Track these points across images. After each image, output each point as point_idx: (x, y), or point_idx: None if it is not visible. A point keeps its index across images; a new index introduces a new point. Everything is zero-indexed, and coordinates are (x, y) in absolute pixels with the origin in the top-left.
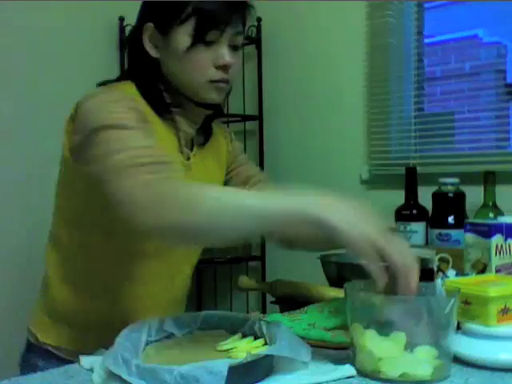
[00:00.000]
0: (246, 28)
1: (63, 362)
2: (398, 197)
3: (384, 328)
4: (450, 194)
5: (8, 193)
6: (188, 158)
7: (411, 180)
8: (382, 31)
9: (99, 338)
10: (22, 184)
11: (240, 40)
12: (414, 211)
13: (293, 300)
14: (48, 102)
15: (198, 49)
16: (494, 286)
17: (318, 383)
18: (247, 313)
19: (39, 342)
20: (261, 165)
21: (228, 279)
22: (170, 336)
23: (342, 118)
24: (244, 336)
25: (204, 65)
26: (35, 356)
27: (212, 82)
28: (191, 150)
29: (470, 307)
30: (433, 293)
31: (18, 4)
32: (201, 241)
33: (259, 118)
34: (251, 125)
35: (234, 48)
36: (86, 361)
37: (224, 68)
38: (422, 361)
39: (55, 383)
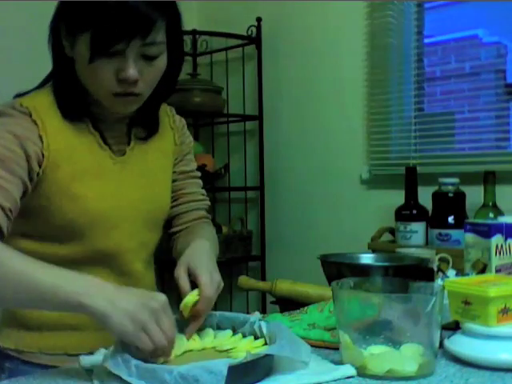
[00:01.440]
0: (179, 32)
1: (27, 365)
2: (398, 197)
3: (374, 326)
4: (450, 194)
5: None
6: (124, 154)
7: (411, 180)
8: (382, 31)
9: (56, 337)
10: None
11: (155, 50)
12: (414, 211)
13: (293, 300)
14: None
15: (100, 60)
16: (493, 286)
17: (317, 383)
18: (247, 313)
19: (8, 349)
20: (261, 165)
21: (228, 279)
22: None
23: (342, 118)
24: (244, 336)
25: (105, 77)
26: (2, 359)
27: (115, 94)
28: (128, 144)
29: (470, 307)
30: (432, 293)
31: (18, 4)
32: None
33: (259, 118)
34: (251, 125)
35: (147, 58)
36: (86, 361)
37: (127, 81)
38: (408, 357)
39: (55, 383)
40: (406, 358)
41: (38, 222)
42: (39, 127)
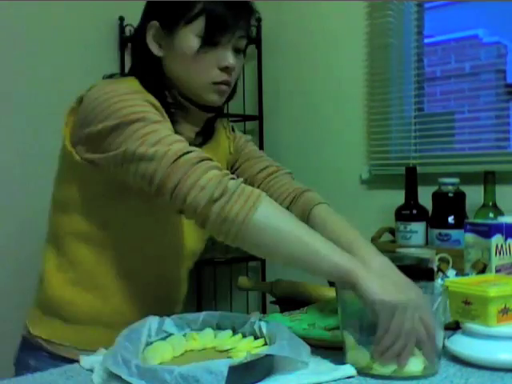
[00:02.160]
0: (249, 31)
1: (53, 358)
2: (398, 197)
3: (374, 326)
4: (450, 194)
5: (5, 190)
6: None
7: (411, 180)
8: (382, 31)
9: (89, 332)
10: (18, 181)
11: (244, 43)
12: (414, 211)
13: (293, 300)
14: (48, 101)
15: (205, 50)
16: (493, 286)
17: (317, 383)
18: (247, 313)
19: (31, 336)
20: None
21: (228, 279)
22: (169, 336)
23: (342, 118)
24: (244, 336)
25: (209, 66)
26: (27, 355)
27: (214, 83)
28: None
29: (470, 307)
30: (432, 293)
31: (19, 4)
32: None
33: (259, 118)
34: (251, 125)
35: (237, 51)
36: (86, 361)
37: (227, 70)
38: (413, 357)
39: (55, 383)
40: (412, 357)
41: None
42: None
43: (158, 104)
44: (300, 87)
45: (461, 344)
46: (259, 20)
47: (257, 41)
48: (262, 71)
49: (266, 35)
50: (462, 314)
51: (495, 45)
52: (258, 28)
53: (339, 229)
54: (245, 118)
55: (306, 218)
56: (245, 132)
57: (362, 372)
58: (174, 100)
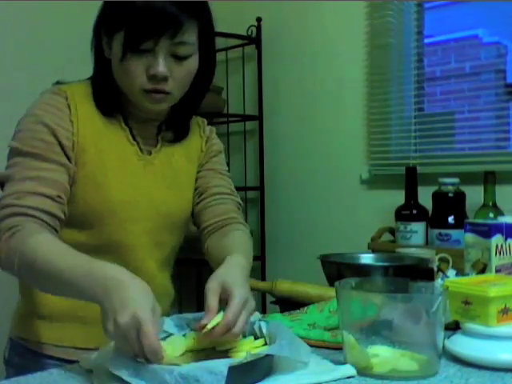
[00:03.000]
0: (209, 33)
1: (36, 356)
2: (398, 197)
3: (375, 326)
4: (450, 194)
5: None
6: (150, 153)
7: (411, 180)
8: (382, 31)
9: (66, 329)
10: None
11: (185, 50)
12: (414, 211)
13: (293, 300)
14: None
15: (131, 58)
16: (493, 286)
17: (317, 383)
18: None
19: (15, 337)
20: (261, 165)
21: None
22: (169, 336)
23: (342, 118)
24: (244, 336)
25: (136, 74)
26: (13, 354)
27: (145, 91)
28: (155, 145)
29: (470, 307)
30: (432, 293)
31: (18, 4)
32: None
33: (259, 118)
34: (251, 125)
35: (176, 57)
36: (85, 361)
37: (156, 78)
38: (406, 358)
39: (55, 383)
40: (411, 357)
41: None
42: (71, 112)
43: (53, 126)
44: (300, 87)
45: (461, 344)
46: (259, 20)
47: (257, 41)
48: (262, 71)
49: (265, 35)
50: (462, 314)
51: (495, 45)
52: (258, 28)
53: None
54: (245, 117)
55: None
56: (245, 132)
57: (362, 372)
58: (119, 99)
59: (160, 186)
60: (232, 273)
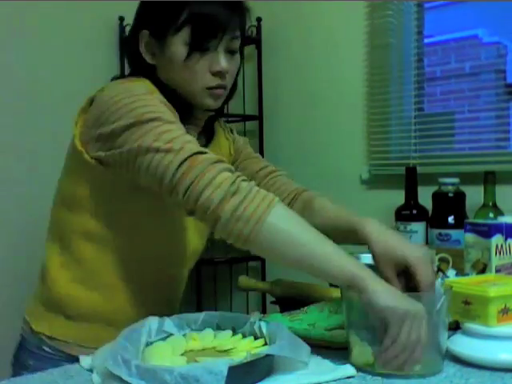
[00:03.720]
0: (246, 30)
1: (54, 356)
2: (398, 197)
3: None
4: (450, 194)
5: (6, 189)
6: None
7: (411, 180)
8: (382, 31)
9: (92, 329)
10: (19, 181)
11: (237, 44)
12: (414, 211)
13: (293, 300)
14: (48, 101)
15: (195, 57)
16: (493, 286)
17: (317, 383)
18: (247, 313)
19: (33, 332)
20: None
21: (228, 279)
22: (169, 336)
23: (342, 118)
24: (244, 336)
25: (200, 72)
26: (26, 354)
27: (209, 88)
28: None
29: (470, 307)
30: (433, 292)
31: (18, 4)
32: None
33: (259, 118)
34: (251, 125)
35: (230, 52)
36: (85, 361)
37: (220, 74)
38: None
39: (55, 383)
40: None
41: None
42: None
43: (170, 106)
44: (300, 87)
45: (461, 344)
46: (259, 20)
47: (257, 41)
48: (262, 71)
49: (265, 35)
50: (462, 314)
51: (495, 45)
52: (258, 28)
53: (338, 211)
54: (245, 118)
55: (306, 210)
56: (245, 132)
57: (367, 370)
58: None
59: None
60: (391, 239)
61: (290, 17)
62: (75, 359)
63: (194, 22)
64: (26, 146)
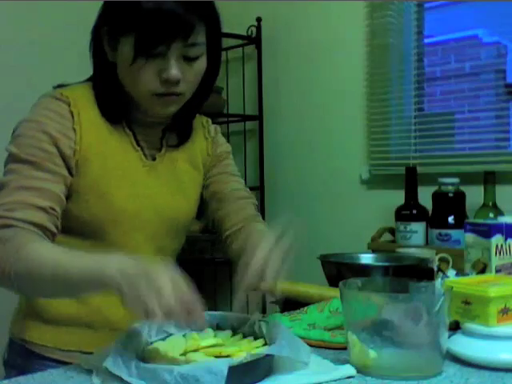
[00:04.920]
0: (219, 29)
1: (39, 358)
2: (398, 197)
3: (379, 326)
4: (450, 194)
5: None
6: (154, 159)
7: (411, 180)
8: (382, 31)
9: (70, 333)
10: None
11: (196, 51)
12: (414, 211)
13: (293, 300)
14: None
15: (140, 61)
16: (493, 286)
17: (317, 383)
18: (247, 313)
19: (15, 338)
20: (261, 165)
21: (228, 279)
22: (169, 336)
23: (342, 118)
24: (244, 336)
25: (148, 78)
26: (14, 355)
27: (157, 95)
28: (160, 150)
29: (470, 307)
30: (433, 293)
31: (18, 4)
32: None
33: (259, 118)
34: (251, 125)
35: (187, 59)
36: (85, 361)
37: (169, 82)
38: (416, 357)
39: (55, 383)
40: (412, 358)
41: (64, 215)
42: (74, 119)
43: (55, 134)
44: (300, 87)
45: (461, 344)
46: (259, 20)
47: (257, 41)
48: (262, 71)
49: (265, 35)
50: (462, 314)
51: (495, 45)
52: (258, 28)
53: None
54: (245, 118)
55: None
56: (245, 132)
57: (366, 371)
58: (125, 103)
59: (164, 192)
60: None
61: (290, 17)
62: (60, 362)
63: (141, 25)
64: None
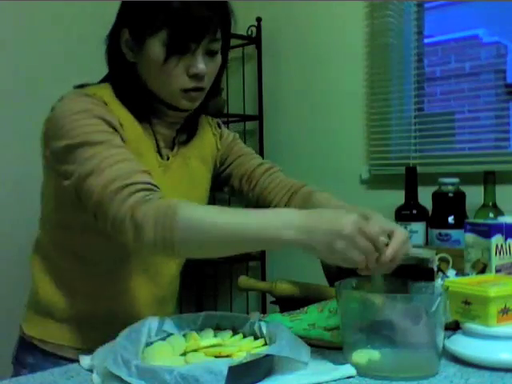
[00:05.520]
0: (230, 31)
1: (50, 356)
2: (398, 197)
3: (375, 326)
4: (450, 194)
5: (5, 194)
6: (167, 158)
7: (411, 180)
8: (382, 31)
9: (83, 331)
10: (18, 186)
11: (217, 45)
12: (414, 211)
13: (293, 300)
14: (48, 101)
15: (173, 59)
16: (493, 286)
17: (317, 383)
18: (247, 313)
19: (25, 335)
20: None
21: (228, 279)
22: (169, 336)
23: (342, 118)
24: (244, 336)
25: (177, 74)
26: (24, 353)
27: (185, 90)
28: (172, 149)
29: (470, 307)
30: (432, 293)
31: (18, 4)
32: (189, 255)
33: (259, 118)
34: (251, 125)
35: (210, 54)
36: (85, 361)
37: (197, 76)
38: (413, 358)
39: (55, 383)
40: (411, 358)
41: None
42: (117, 117)
43: (114, 115)
44: (300, 87)
45: (461, 344)
46: (259, 20)
47: (257, 41)
48: (262, 71)
49: (265, 35)
50: (462, 314)
51: (495, 45)
52: (258, 28)
53: (338, 205)
54: (245, 118)
55: (306, 204)
56: (245, 132)
57: (362, 372)
58: (149, 102)
59: (178, 190)
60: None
61: (290, 17)
62: (74, 361)
63: (172, 24)
64: (25, 151)
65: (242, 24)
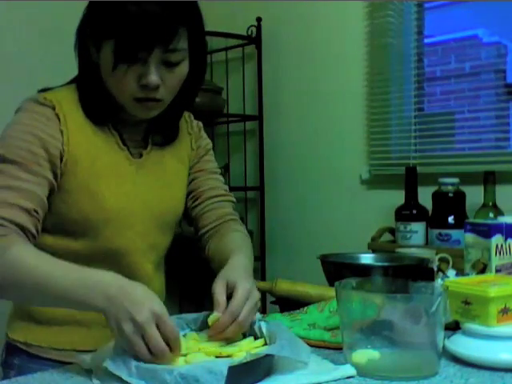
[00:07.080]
0: (201, 35)
1: (34, 358)
2: (398, 197)
3: (375, 326)
4: (450, 194)
5: None
6: (140, 156)
7: (411, 180)
8: (382, 31)
9: (64, 332)
10: None
11: (176, 56)
12: (414, 211)
13: (293, 300)
14: None
15: (122, 67)
16: (493, 286)
17: (317, 383)
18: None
19: (10, 339)
20: (261, 165)
21: None
22: None
23: (342, 118)
24: (244, 336)
25: (127, 82)
26: (11, 355)
27: (137, 100)
28: (145, 147)
29: (470, 307)
30: (432, 293)
31: (18, 3)
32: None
33: (259, 118)
34: (251, 125)
35: (167, 65)
36: (85, 361)
37: (148, 88)
38: (412, 358)
39: (55, 383)
40: (411, 358)
41: (54, 216)
42: (61, 121)
43: (44, 136)
44: (300, 87)
45: (461, 344)
46: (259, 20)
47: (257, 41)
48: (262, 71)
49: (265, 35)
50: (462, 314)
51: (495, 45)
52: (258, 28)
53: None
54: (245, 118)
55: (220, 244)
56: (245, 132)
57: (362, 372)
58: (109, 104)
59: (153, 187)
60: (235, 271)
61: (290, 17)
62: (55, 361)
63: (121, 31)
64: None
65: (241, 24)
